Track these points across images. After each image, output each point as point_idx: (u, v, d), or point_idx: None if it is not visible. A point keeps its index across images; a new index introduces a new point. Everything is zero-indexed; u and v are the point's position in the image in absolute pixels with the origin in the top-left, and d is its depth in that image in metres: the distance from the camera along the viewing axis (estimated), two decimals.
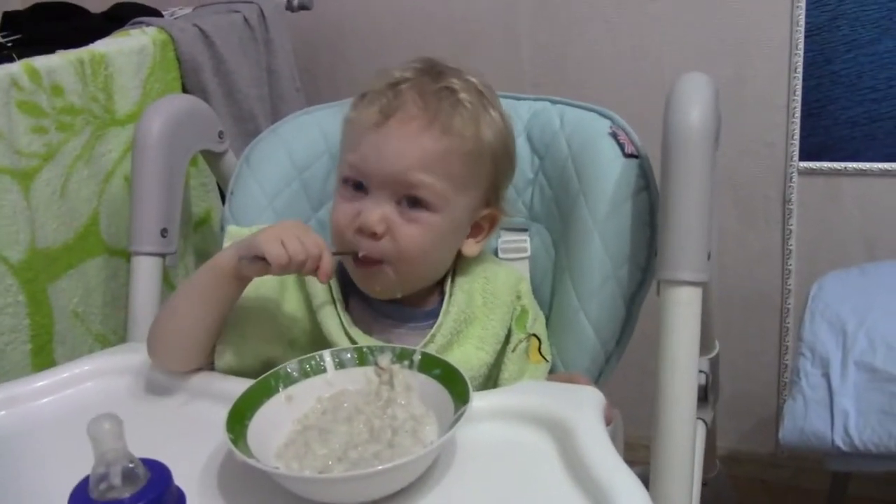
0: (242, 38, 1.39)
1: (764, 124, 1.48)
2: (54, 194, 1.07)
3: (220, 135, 1.15)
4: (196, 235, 1.34)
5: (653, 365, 0.84)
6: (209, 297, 0.78)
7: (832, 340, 1.07)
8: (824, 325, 1.09)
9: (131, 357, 0.85)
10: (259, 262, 0.74)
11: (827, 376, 1.04)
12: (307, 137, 1.07)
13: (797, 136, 1.47)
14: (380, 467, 0.59)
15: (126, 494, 0.46)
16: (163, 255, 1.05)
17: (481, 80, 0.85)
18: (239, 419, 0.66)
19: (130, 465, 0.47)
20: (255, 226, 0.88)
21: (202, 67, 1.30)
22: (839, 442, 0.99)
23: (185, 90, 1.29)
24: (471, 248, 0.88)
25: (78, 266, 1.11)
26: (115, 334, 1.16)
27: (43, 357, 1.04)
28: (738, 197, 1.53)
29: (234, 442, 0.63)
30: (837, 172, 1.46)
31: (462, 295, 0.85)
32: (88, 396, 0.82)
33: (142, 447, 0.51)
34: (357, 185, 0.81)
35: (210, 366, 0.83)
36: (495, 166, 0.85)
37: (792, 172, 1.49)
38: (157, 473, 0.47)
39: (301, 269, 0.75)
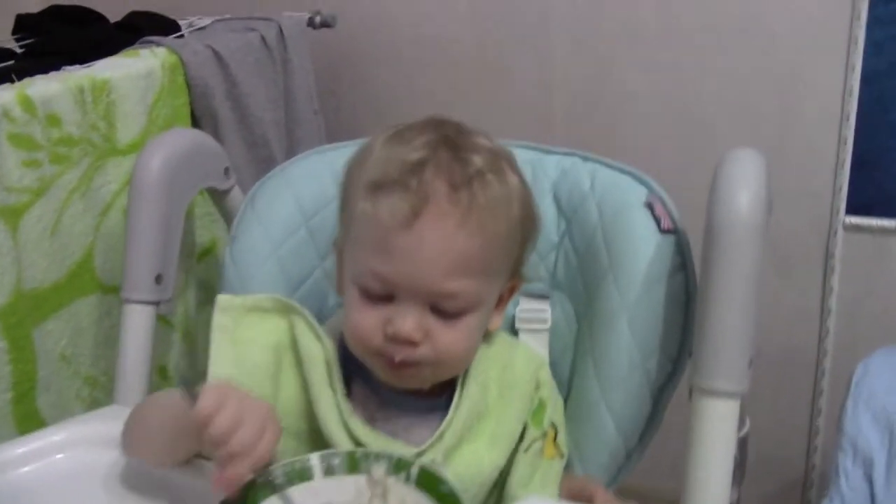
0: (259, 59, 1.32)
1: (810, 173, 1.39)
2: (45, 231, 1.00)
3: (227, 171, 1.08)
4: (199, 267, 1.27)
5: (673, 417, 0.75)
6: (178, 425, 0.66)
7: (877, 437, 0.97)
8: (868, 416, 1.00)
9: (114, 426, 0.76)
10: (190, 399, 0.62)
11: (870, 479, 0.95)
12: (317, 181, 0.99)
13: (845, 189, 1.37)
14: None
15: None
16: (156, 303, 0.98)
17: (495, 143, 0.76)
18: None
19: None
20: (251, 295, 0.79)
21: (213, 92, 1.23)
22: None
23: (193, 116, 1.22)
24: (495, 322, 0.80)
25: (68, 306, 1.05)
26: (105, 376, 1.10)
27: (25, 405, 0.98)
28: (776, 249, 1.43)
29: None
30: (887, 230, 1.36)
31: (476, 387, 0.77)
32: (57, 471, 0.75)
33: None
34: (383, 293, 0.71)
35: None
36: (522, 239, 0.77)
37: (837, 227, 1.39)
38: None
39: (211, 445, 0.60)
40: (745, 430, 1.16)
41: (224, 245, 1.28)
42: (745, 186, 0.74)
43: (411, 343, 0.70)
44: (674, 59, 1.39)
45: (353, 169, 0.76)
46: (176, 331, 1.23)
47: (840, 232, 1.39)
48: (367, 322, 0.71)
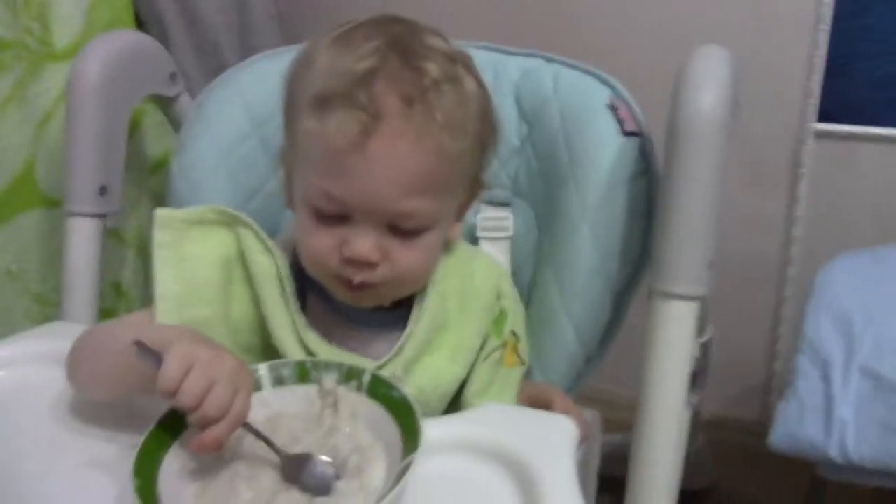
0: None
1: (781, 79, 1.36)
2: None
3: (173, 77, 1.02)
4: (153, 180, 1.22)
5: (636, 320, 0.74)
6: (130, 369, 0.61)
7: (836, 340, 0.98)
8: (828, 320, 1.00)
9: (60, 344, 0.71)
10: (149, 360, 0.58)
11: (827, 380, 0.95)
12: (268, 87, 0.93)
13: (816, 95, 1.34)
14: None
15: None
16: (102, 216, 0.94)
17: (450, 44, 0.70)
18: (151, 455, 0.57)
19: None
20: (192, 208, 0.75)
21: None
22: (834, 454, 0.92)
23: (137, 20, 1.15)
24: (455, 231, 0.77)
25: (11, 220, 1.00)
26: (56, 293, 1.06)
27: None
28: (744, 156, 1.41)
29: (141, 489, 0.54)
30: (855, 136, 1.35)
31: (436, 299, 0.74)
32: (2, 389, 0.72)
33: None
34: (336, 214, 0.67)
35: None
36: (481, 147, 0.73)
37: (807, 133, 1.37)
38: None
39: (184, 413, 0.57)
40: (708, 335, 1.17)
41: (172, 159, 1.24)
42: (709, 85, 0.71)
43: (369, 265, 0.67)
44: None
45: (296, 77, 0.70)
46: (130, 247, 1.19)
47: (810, 139, 1.37)
48: (322, 244, 0.68)
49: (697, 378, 1.14)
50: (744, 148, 1.40)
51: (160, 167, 1.25)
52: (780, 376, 1.57)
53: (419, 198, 0.66)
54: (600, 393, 1.01)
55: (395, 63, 0.65)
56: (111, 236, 1.07)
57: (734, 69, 0.74)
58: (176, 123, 1.07)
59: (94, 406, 0.69)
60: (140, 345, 0.58)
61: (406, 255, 0.68)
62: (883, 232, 1.34)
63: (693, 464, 1.32)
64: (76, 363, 0.68)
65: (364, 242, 0.66)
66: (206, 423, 0.57)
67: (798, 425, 0.95)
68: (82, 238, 0.92)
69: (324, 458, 0.60)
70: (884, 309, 1.00)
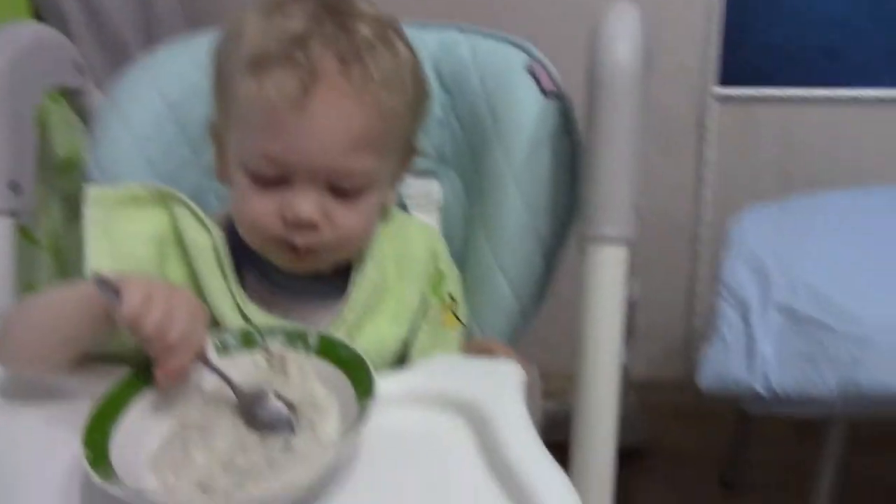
0: None
1: (681, 46, 1.42)
2: None
3: (78, 67, 0.99)
4: (63, 180, 1.18)
5: (567, 293, 0.77)
6: (88, 323, 0.62)
7: (752, 282, 1.03)
8: (743, 265, 1.06)
9: None
10: (110, 295, 0.58)
11: (747, 320, 1.01)
12: (182, 73, 0.93)
13: (715, 60, 1.41)
14: (270, 491, 0.51)
15: None
16: (14, 214, 0.90)
17: (378, 9, 0.72)
18: (99, 426, 0.56)
19: None
20: (124, 184, 0.74)
21: None
22: (759, 387, 0.97)
23: (37, 15, 1.11)
24: (391, 197, 0.78)
25: None
26: None
27: None
28: (653, 122, 1.47)
29: (93, 460, 0.53)
30: (754, 99, 1.42)
31: (374, 265, 0.75)
32: None
33: None
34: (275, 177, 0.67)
35: None
36: (416, 111, 0.74)
37: (709, 98, 1.44)
38: None
39: (145, 341, 0.58)
40: (633, 293, 1.22)
41: (86, 154, 1.20)
42: (624, 37, 0.74)
43: (312, 226, 0.67)
44: None
45: (227, 45, 0.70)
46: (44, 249, 1.15)
47: (712, 103, 1.44)
48: (262, 208, 0.68)
49: (625, 335, 1.19)
50: (651, 116, 1.46)
51: (69, 167, 1.20)
52: (699, 333, 1.64)
53: (359, 155, 0.67)
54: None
55: (328, 26, 0.66)
56: (24, 237, 1.02)
57: (644, 24, 0.77)
58: (85, 117, 1.04)
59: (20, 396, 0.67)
60: (101, 278, 0.58)
61: (347, 217, 0.68)
62: (786, 186, 1.42)
63: (626, 422, 1.37)
64: (7, 336, 0.66)
65: (306, 204, 0.66)
66: (169, 353, 0.57)
67: (724, 365, 1.00)
68: None
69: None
70: (793, 252, 1.07)
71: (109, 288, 0.58)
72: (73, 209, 1.18)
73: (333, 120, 0.65)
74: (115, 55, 1.23)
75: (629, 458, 1.50)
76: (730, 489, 1.46)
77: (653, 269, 1.55)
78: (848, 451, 1.07)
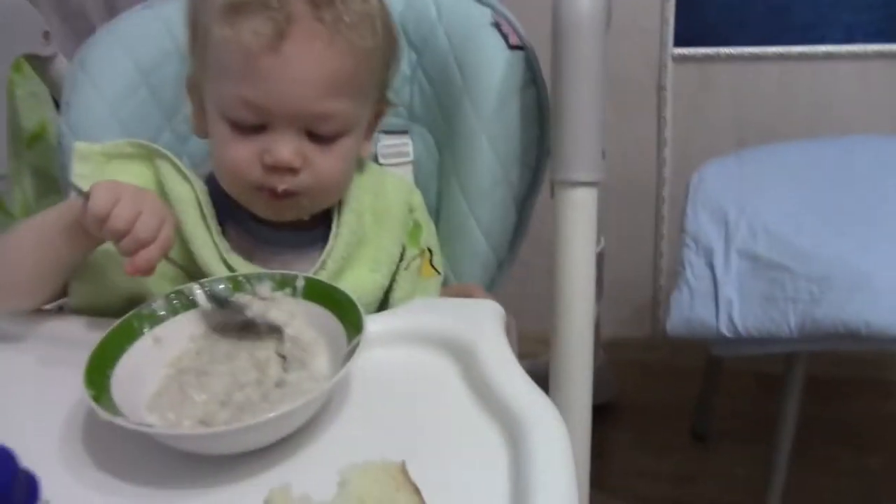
0: None
1: (638, 9, 1.45)
2: None
3: (46, 35, 0.99)
4: (31, 153, 1.18)
5: (537, 261, 0.79)
6: (66, 237, 0.65)
7: (714, 230, 1.08)
8: (706, 215, 1.10)
9: None
10: (84, 201, 0.62)
11: (711, 266, 1.05)
12: (151, 36, 0.93)
13: (671, 22, 1.45)
14: (270, 415, 0.53)
15: None
16: None
17: None
18: (99, 370, 0.57)
19: None
20: (109, 142, 0.75)
21: None
22: (724, 329, 1.02)
23: None
24: (365, 149, 0.80)
25: None
26: None
27: None
28: (611, 85, 1.50)
29: (96, 398, 0.54)
30: (710, 58, 1.46)
31: (352, 215, 0.77)
32: None
33: None
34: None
35: (61, 304, 0.72)
36: (386, 60, 0.77)
37: (666, 59, 1.48)
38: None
39: (116, 239, 0.62)
40: (601, 246, 1.26)
41: (54, 127, 1.20)
42: None
43: (291, 170, 0.69)
44: None
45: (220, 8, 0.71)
46: (16, 219, 1.14)
47: (669, 64, 1.48)
48: (242, 155, 0.69)
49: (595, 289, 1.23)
50: (611, 79, 1.49)
51: (36, 139, 1.20)
52: (665, 291, 1.68)
53: (336, 99, 0.68)
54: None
55: None
56: None
57: None
58: (54, 86, 1.04)
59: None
60: (75, 186, 0.63)
61: (325, 161, 0.70)
62: (743, 140, 1.47)
63: (596, 379, 1.41)
64: None
65: (285, 148, 0.68)
66: (138, 247, 0.61)
67: (690, 310, 1.04)
68: None
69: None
70: (752, 200, 1.11)
71: (82, 193, 0.61)
72: (43, 183, 1.19)
73: (308, 63, 0.67)
74: (76, 23, 1.23)
75: (600, 414, 1.56)
76: (700, 441, 1.51)
77: (618, 229, 1.59)
78: (805, 394, 1.13)
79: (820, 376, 1.40)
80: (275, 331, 0.63)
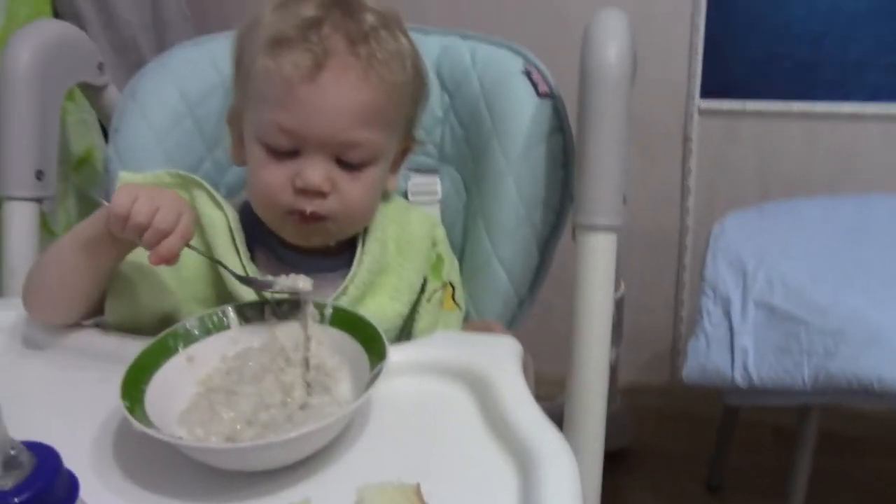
0: None
1: (666, 62, 1.48)
2: None
3: (100, 66, 1.05)
4: (77, 176, 1.23)
5: (558, 302, 0.82)
6: (95, 247, 0.70)
7: (733, 280, 1.09)
8: (725, 265, 1.12)
9: (5, 314, 0.77)
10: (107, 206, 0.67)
11: (728, 315, 1.07)
12: (199, 71, 0.99)
13: (698, 75, 1.48)
14: (293, 434, 0.56)
15: (8, 485, 0.40)
16: (39, 200, 0.95)
17: (382, 6, 0.79)
18: (135, 384, 0.61)
19: (12, 452, 0.41)
20: (151, 172, 0.80)
21: None
22: (738, 378, 1.03)
23: (57, 16, 1.16)
24: (392, 183, 0.84)
25: None
26: None
27: None
28: (638, 136, 1.54)
29: (131, 410, 0.57)
30: (736, 112, 1.49)
31: (376, 244, 0.81)
32: None
33: (22, 423, 0.46)
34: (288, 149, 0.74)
35: (98, 318, 0.76)
36: (414, 98, 0.82)
37: (693, 111, 1.51)
38: (44, 459, 0.42)
39: (139, 234, 0.66)
40: (621, 292, 1.28)
41: (100, 153, 1.25)
42: (613, 40, 0.80)
43: (320, 194, 0.73)
44: None
45: (246, 34, 0.77)
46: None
47: (695, 116, 1.51)
48: (276, 178, 0.74)
49: (613, 334, 1.25)
50: (638, 128, 1.52)
51: (83, 163, 1.26)
52: (684, 339, 1.69)
53: (366, 128, 0.73)
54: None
55: (337, 14, 0.73)
56: (43, 228, 1.07)
57: (630, 28, 0.84)
58: (105, 114, 1.09)
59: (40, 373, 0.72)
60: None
61: (352, 187, 0.75)
62: (765, 192, 1.49)
63: (613, 424, 1.42)
64: (35, 281, 0.73)
65: (315, 173, 0.72)
66: (160, 238, 0.65)
67: (706, 358, 1.06)
68: (20, 221, 0.93)
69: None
70: (771, 252, 1.13)
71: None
72: (86, 205, 1.24)
73: (342, 93, 0.72)
74: (129, 57, 1.29)
75: (615, 459, 1.56)
76: (714, 491, 1.51)
77: (640, 275, 1.61)
78: (819, 446, 1.13)
79: (837, 432, 1.40)
80: (297, 308, 0.68)
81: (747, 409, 1.40)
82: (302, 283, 0.69)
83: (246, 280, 0.73)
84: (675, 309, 1.69)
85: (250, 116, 0.76)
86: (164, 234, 0.66)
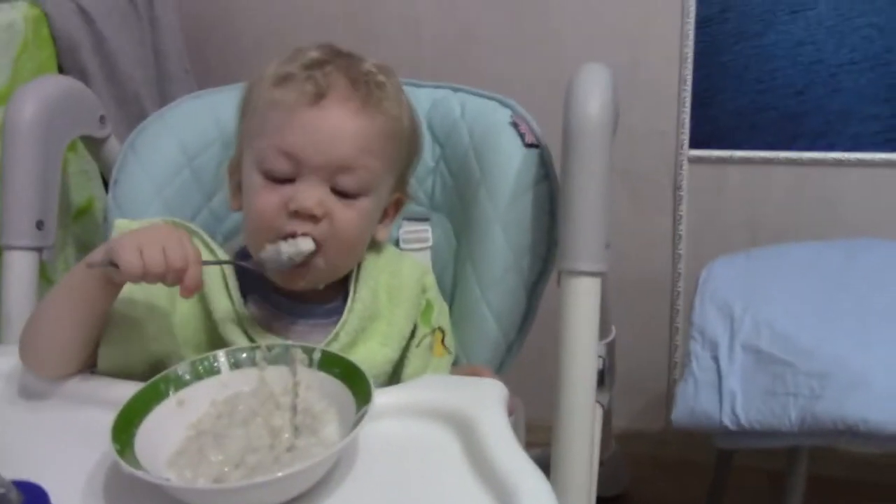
0: (125, 16, 1.31)
1: (656, 113, 1.52)
2: None
3: (102, 119, 1.08)
4: (76, 226, 1.25)
5: (548, 347, 0.84)
6: (83, 297, 0.72)
7: (721, 324, 1.11)
8: (713, 309, 1.13)
9: (3, 361, 0.78)
10: (114, 269, 0.68)
11: (716, 359, 1.08)
12: (197, 123, 1.02)
13: (687, 125, 1.52)
14: (279, 474, 0.57)
15: None
16: (39, 250, 0.98)
17: (383, 65, 0.84)
18: (125, 427, 0.62)
19: (1, 491, 0.43)
20: (146, 219, 0.83)
21: (80, 46, 1.21)
22: (727, 421, 1.04)
23: (61, 71, 1.20)
24: (382, 233, 0.87)
25: None
26: None
27: None
28: (630, 184, 1.57)
29: (121, 452, 0.59)
30: (724, 160, 1.52)
31: (367, 292, 0.83)
32: None
33: (15, 464, 0.47)
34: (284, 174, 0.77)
35: (91, 369, 0.77)
36: (409, 149, 0.85)
37: (682, 160, 1.54)
38: (33, 497, 0.44)
39: (161, 280, 0.69)
40: (612, 336, 1.29)
41: (100, 203, 1.28)
42: (594, 93, 0.83)
43: (313, 218, 0.76)
44: (533, 9, 1.49)
45: (255, 83, 0.82)
46: None
47: (685, 165, 1.54)
48: (270, 203, 0.76)
49: (605, 377, 1.26)
50: (630, 177, 1.56)
51: (83, 213, 1.28)
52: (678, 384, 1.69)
53: (362, 154, 0.77)
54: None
55: (340, 60, 0.79)
56: (41, 276, 1.09)
57: (613, 81, 0.87)
58: (106, 166, 1.12)
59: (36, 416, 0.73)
60: (91, 263, 0.69)
61: (344, 214, 0.77)
62: (754, 238, 1.51)
63: (608, 470, 1.42)
64: (30, 335, 0.74)
65: (309, 196, 0.75)
66: (181, 276, 0.68)
67: (695, 401, 1.07)
68: (20, 271, 0.95)
69: None
70: (757, 296, 1.15)
71: (102, 262, 0.68)
72: (85, 253, 1.26)
73: (342, 117, 0.76)
74: (130, 108, 1.32)
75: None
76: None
77: (633, 321, 1.62)
78: (814, 491, 1.13)
79: (832, 477, 1.40)
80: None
81: (742, 455, 1.39)
82: (304, 244, 0.74)
83: (257, 263, 0.76)
84: (669, 354, 1.70)
85: (251, 150, 0.79)
86: (184, 270, 0.68)
